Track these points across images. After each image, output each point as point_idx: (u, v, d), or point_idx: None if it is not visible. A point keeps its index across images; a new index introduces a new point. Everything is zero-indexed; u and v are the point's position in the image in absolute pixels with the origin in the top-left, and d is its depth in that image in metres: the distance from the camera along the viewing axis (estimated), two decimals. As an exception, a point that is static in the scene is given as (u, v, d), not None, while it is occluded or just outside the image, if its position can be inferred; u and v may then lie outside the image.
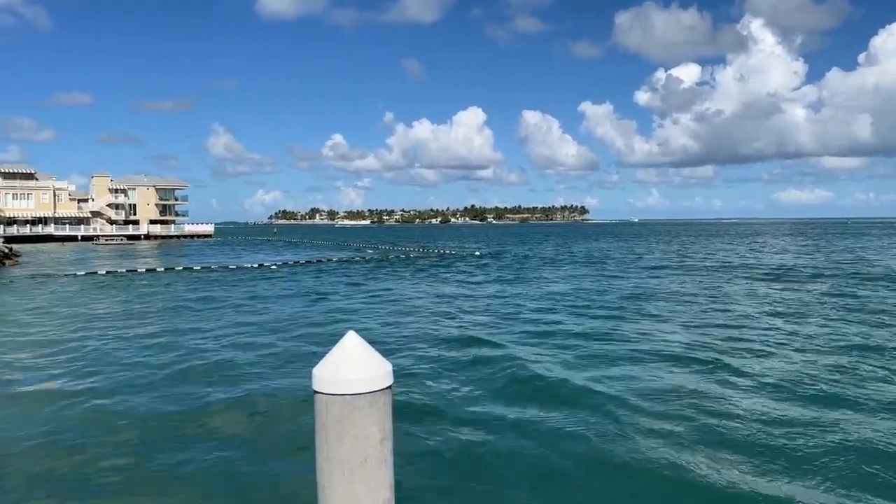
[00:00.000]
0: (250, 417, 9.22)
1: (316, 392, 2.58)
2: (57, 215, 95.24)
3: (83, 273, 35.57)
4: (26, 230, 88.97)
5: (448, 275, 34.56)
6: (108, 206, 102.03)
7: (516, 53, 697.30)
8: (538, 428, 8.54)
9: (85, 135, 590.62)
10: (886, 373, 11.16)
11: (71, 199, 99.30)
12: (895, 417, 8.69)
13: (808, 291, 24.17)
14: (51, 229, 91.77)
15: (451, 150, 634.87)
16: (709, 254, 51.54)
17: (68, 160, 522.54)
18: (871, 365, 11.73)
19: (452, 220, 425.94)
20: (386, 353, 2.68)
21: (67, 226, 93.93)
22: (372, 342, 2.66)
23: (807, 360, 12.38)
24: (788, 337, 14.87)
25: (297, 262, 44.73)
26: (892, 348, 13.28)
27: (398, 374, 2.50)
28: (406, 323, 17.59)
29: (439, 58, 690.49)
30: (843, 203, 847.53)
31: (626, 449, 7.68)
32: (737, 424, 8.54)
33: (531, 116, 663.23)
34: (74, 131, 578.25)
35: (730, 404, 9.47)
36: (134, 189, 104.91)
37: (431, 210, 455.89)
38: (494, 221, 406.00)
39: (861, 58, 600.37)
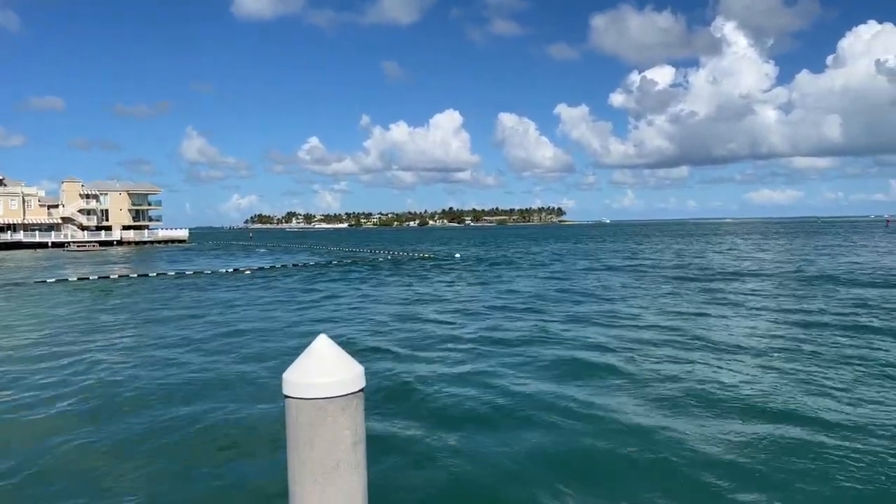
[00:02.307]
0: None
1: (287, 396, 2.54)
2: (26, 222, 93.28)
3: (53, 280, 34.86)
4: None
5: (422, 279, 34.49)
6: (80, 211, 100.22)
7: (493, 56, 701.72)
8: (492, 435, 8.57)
9: (56, 139, 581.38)
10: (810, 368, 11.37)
11: (41, 205, 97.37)
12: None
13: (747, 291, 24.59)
14: (20, 236, 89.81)
15: (428, 152, 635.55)
16: (674, 254, 52.23)
17: (39, 166, 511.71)
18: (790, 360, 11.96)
19: (430, 222, 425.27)
20: (355, 357, 2.66)
21: (37, 232, 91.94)
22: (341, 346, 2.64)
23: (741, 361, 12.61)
24: (733, 335, 15.11)
25: (273, 266, 44.34)
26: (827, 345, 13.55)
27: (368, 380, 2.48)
28: (374, 330, 17.39)
29: (416, 60, 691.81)
30: (813, 202, 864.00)
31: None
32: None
33: (508, 119, 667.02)
34: (45, 136, 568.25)
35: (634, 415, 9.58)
36: (106, 194, 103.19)
37: (409, 213, 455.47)
38: (472, 223, 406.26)
39: (829, 60, 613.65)
